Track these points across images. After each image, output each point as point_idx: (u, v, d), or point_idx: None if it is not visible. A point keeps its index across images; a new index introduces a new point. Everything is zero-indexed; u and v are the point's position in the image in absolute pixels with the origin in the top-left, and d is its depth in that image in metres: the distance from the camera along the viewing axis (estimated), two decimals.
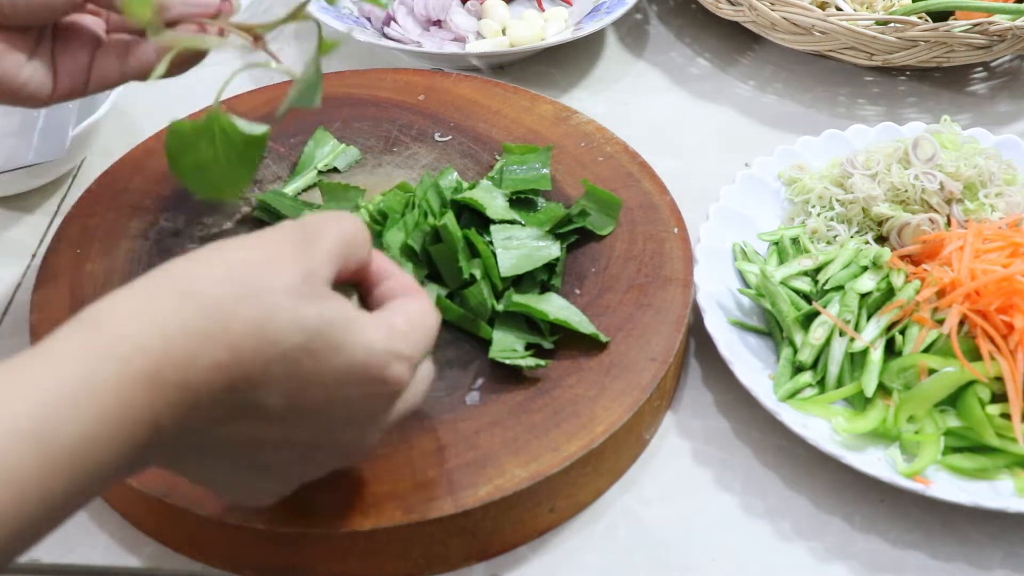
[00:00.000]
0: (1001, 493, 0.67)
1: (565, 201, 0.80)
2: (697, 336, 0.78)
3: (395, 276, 0.57)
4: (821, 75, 1.04)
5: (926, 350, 0.71)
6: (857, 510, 0.69)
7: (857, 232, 0.81)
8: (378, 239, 0.74)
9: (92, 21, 0.67)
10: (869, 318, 0.73)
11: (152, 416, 0.45)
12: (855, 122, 0.91)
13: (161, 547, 0.66)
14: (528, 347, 0.71)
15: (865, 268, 0.75)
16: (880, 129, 0.89)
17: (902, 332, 0.72)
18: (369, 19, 1.07)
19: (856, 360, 0.72)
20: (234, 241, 0.51)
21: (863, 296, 0.73)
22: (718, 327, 0.73)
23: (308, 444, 0.52)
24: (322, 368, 0.49)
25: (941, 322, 0.71)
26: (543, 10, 1.10)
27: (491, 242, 0.74)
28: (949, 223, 0.80)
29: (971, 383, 0.68)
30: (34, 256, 0.85)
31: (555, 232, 0.77)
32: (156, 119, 0.86)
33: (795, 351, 0.73)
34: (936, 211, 0.80)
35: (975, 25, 0.94)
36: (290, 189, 0.82)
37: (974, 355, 0.69)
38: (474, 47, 1.04)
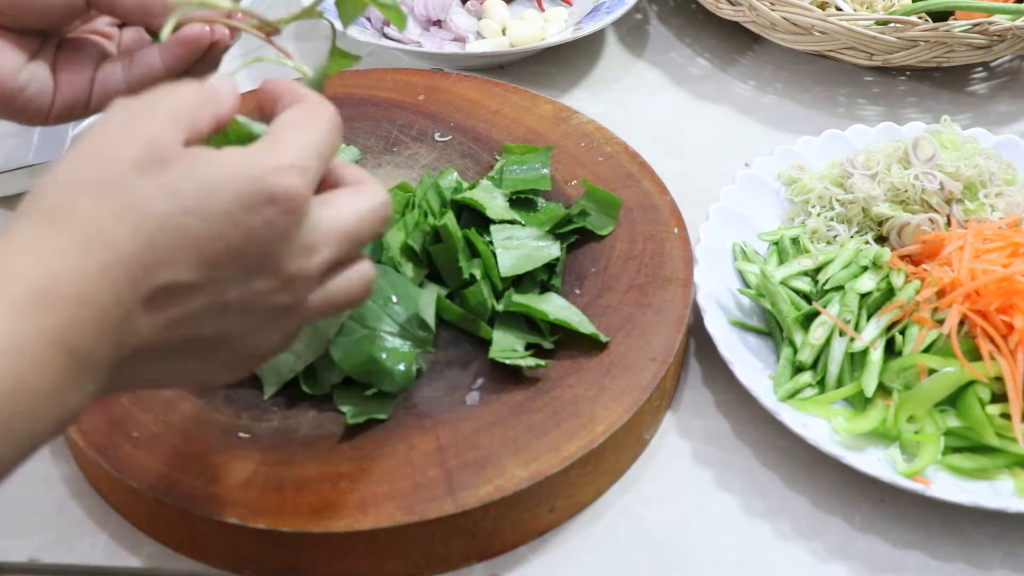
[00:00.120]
0: (1001, 493, 0.67)
1: (565, 201, 0.80)
2: (697, 336, 0.78)
3: (284, 92, 0.53)
4: (821, 75, 1.04)
5: (926, 350, 0.71)
6: (857, 510, 0.69)
7: (857, 232, 0.81)
8: (378, 239, 0.74)
9: (102, 40, 0.65)
10: (869, 318, 0.73)
11: (57, 339, 0.44)
12: (855, 122, 0.91)
13: (161, 547, 0.66)
14: (528, 347, 0.71)
15: (865, 268, 0.75)
16: (880, 129, 0.89)
17: (902, 332, 0.72)
18: (369, 19, 1.07)
19: (856, 360, 0.72)
20: (70, 150, 0.49)
21: (863, 296, 0.73)
22: (718, 327, 0.73)
23: (250, 301, 0.50)
24: (209, 218, 0.47)
25: (941, 322, 0.71)
26: (543, 10, 1.10)
27: (491, 242, 0.74)
28: (949, 223, 0.80)
29: (971, 383, 0.68)
30: None
31: (555, 232, 0.77)
32: None
33: (795, 351, 0.73)
34: (936, 211, 0.80)
35: (975, 25, 0.94)
36: None
37: (974, 355, 0.69)
38: (474, 47, 1.04)
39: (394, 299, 0.69)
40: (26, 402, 0.43)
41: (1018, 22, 0.94)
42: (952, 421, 0.69)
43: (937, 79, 1.04)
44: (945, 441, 0.69)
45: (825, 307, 0.73)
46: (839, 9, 1.00)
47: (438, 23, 1.07)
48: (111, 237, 0.45)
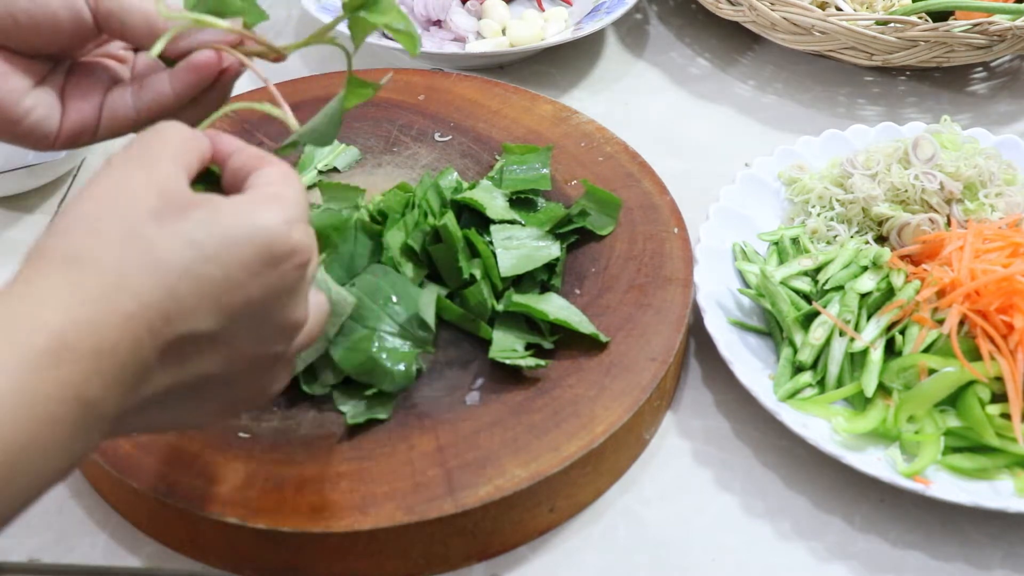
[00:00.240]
0: (1001, 493, 0.67)
1: (565, 201, 0.80)
2: (697, 336, 0.78)
3: (240, 151, 0.54)
4: (821, 75, 1.04)
5: (926, 350, 0.71)
6: (857, 510, 0.69)
7: (857, 232, 0.81)
8: (378, 239, 0.74)
9: (115, 64, 0.64)
10: (869, 318, 0.73)
11: (73, 390, 0.43)
12: (855, 122, 0.91)
13: (161, 547, 0.66)
14: (528, 347, 0.71)
15: (865, 268, 0.75)
16: (880, 129, 0.89)
17: (902, 332, 0.72)
18: None
19: (856, 360, 0.72)
20: (81, 191, 0.49)
21: (863, 296, 0.73)
22: (718, 327, 0.73)
23: (255, 349, 0.51)
24: (229, 268, 0.48)
25: (941, 322, 0.71)
26: (543, 10, 1.10)
27: (491, 242, 0.74)
28: (949, 223, 0.80)
29: (971, 383, 0.69)
30: None
31: (555, 232, 0.77)
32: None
33: (795, 351, 0.73)
34: (936, 211, 0.80)
35: (975, 25, 0.94)
36: None
37: (974, 355, 0.69)
38: (474, 47, 1.04)
39: (394, 299, 0.69)
40: (35, 456, 0.43)
41: (1018, 22, 0.94)
42: (952, 421, 0.69)
43: (937, 79, 1.04)
44: (945, 441, 0.69)
45: (825, 307, 0.73)
46: (839, 9, 1.00)
47: (438, 23, 1.07)
48: (133, 286, 0.45)
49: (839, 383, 0.72)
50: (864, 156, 0.84)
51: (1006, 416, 0.68)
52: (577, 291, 0.76)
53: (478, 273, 0.72)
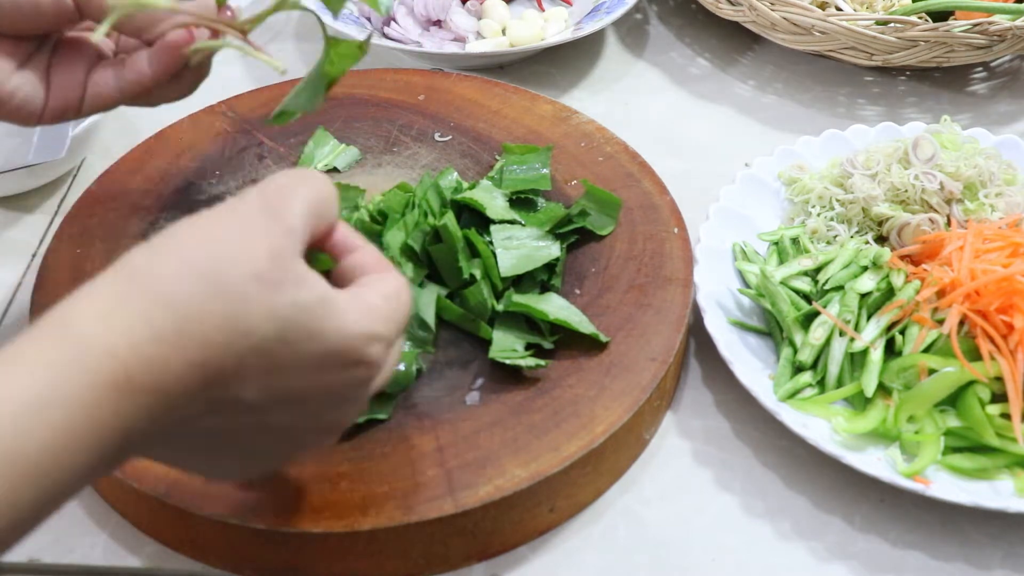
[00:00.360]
0: (1001, 493, 0.67)
1: (565, 201, 0.80)
2: (697, 336, 0.78)
3: (363, 249, 0.54)
4: (821, 75, 1.04)
5: (926, 350, 0.71)
6: (857, 510, 0.69)
7: (857, 232, 0.81)
8: (378, 239, 0.74)
9: (100, 41, 0.65)
10: (869, 318, 0.73)
11: (121, 423, 0.44)
12: (855, 122, 0.91)
13: (161, 547, 0.66)
14: (528, 347, 0.71)
15: (865, 268, 0.75)
16: (880, 129, 0.89)
17: (902, 332, 0.72)
18: (369, 19, 1.07)
19: (856, 360, 0.72)
20: (197, 221, 0.49)
21: (863, 296, 0.73)
22: (718, 327, 0.73)
23: (286, 429, 0.52)
24: (299, 356, 0.48)
25: (941, 322, 0.71)
26: (543, 10, 1.10)
27: (491, 242, 0.74)
28: (949, 223, 0.80)
29: (971, 383, 0.68)
30: (34, 256, 0.85)
31: (555, 232, 0.77)
32: (156, 119, 0.85)
33: (795, 351, 0.73)
34: (936, 211, 0.80)
35: (975, 25, 0.94)
36: None
37: (974, 355, 0.69)
38: (474, 47, 1.04)
39: None
40: (77, 478, 0.44)
41: (1018, 22, 0.94)
42: (952, 421, 0.69)
43: (937, 79, 1.04)
44: (945, 441, 0.69)
45: (825, 307, 0.73)
46: (839, 9, 1.00)
47: (438, 23, 1.07)
48: (207, 339, 0.46)
49: (839, 383, 0.72)
50: (864, 156, 0.84)
51: (1006, 416, 0.68)
52: (577, 291, 0.76)
53: (478, 273, 0.72)
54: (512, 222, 0.76)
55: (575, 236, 0.79)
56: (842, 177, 0.83)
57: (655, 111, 1.01)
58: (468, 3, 1.08)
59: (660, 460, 0.72)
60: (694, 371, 0.77)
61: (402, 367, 0.67)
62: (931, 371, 0.69)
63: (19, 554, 0.65)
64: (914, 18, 0.95)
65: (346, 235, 0.54)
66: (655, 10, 1.13)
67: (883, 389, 0.71)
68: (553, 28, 1.06)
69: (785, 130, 0.98)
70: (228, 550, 0.64)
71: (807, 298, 0.76)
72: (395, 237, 0.75)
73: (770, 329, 0.76)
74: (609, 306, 0.74)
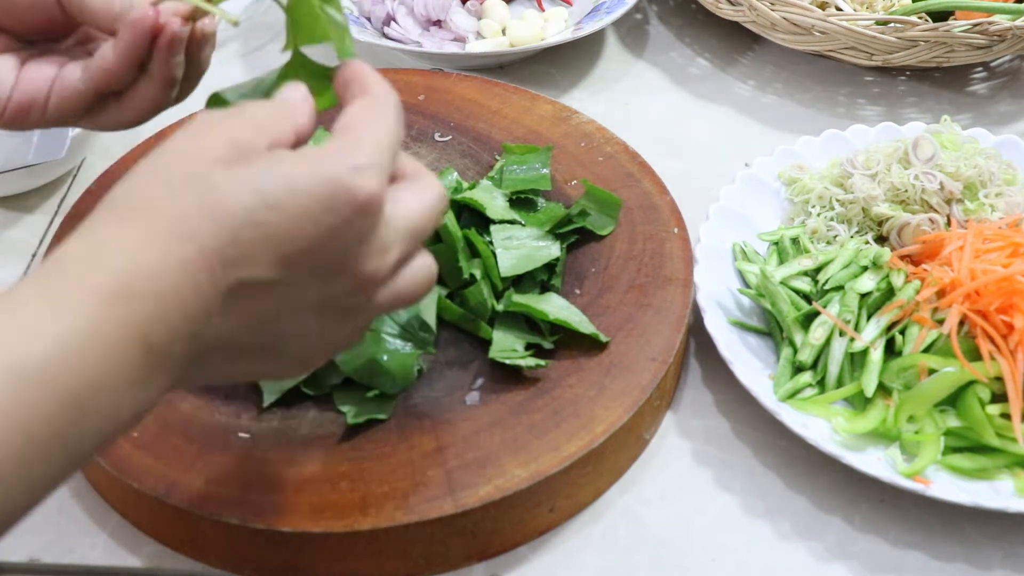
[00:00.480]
0: (1001, 493, 0.67)
1: (565, 201, 0.80)
2: (697, 336, 0.78)
3: (354, 77, 0.52)
4: (821, 75, 1.04)
5: (926, 350, 0.71)
6: (857, 510, 0.69)
7: (857, 232, 0.81)
8: None
9: (85, 51, 0.64)
10: (869, 318, 0.73)
11: (137, 331, 0.44)
12: (855, 122, 0.91)
13: (161, 547, 0.66)
14: (528, 347, 0.71)
15: (865, 268, 0.75)
16: (880, 129, 0.89)
17: (902, 332, 0.72)
18: (369, 19, 1.07)
19: (856, 360, 0.72)
20: (157, 147, 0.49)
21: (863, 296, 0.73)
22: (718, 327, 0.73)
23: (326, 299, 0.50)
24: (291, 215, 0.47)
25: (941, 322, 0.71)
26: (543, 10, 1.10)
27: (491, 242, 0.74)
28: (949, 223, 0.80)
29: (971, 383, 0.68)
30: (34, 256, 0.85)
31: (555, 232, 0.77)
32: (155, 119, 0.85)
33: (795, 351, 0.73)
34: (936, 211, 0.80)
35: (975, 25, 0.94)
36: None
37: (974, 355, 0.69)
38: (474, 47, 1.04)
39: None
40: (105, 397, 0.43)
41: (1018, 22, 0.94)
42: (952, 421, 0.69)
43: (937, 79, 1.04)
44: (945, 441, 0.69)
45: (825, 307, 0.73)
46: (839, 9, 1.00)
47: (438, 23, 1.07)
48: (194, 231, 0.45)
49: (839, 383, 0.72)
50: (864, 156, 0.84)
51: (1006, 416, 0.68)
52: (577, 291, 0.76)
53: (478, 273, 0.72)
54: (512, 222, 0.76)
55: (575, 236, 0.79)
56: (842, 177, 0.83)
57: (655, 111, 1.01)
58: (468, 3, 1.08)
59: (660, 460, 0.72)
60: (694, 371, 0.77)
61: (403, 368, 0.67)
62: (931, 371, 0.69)
63: (19, 554, 0.66)
64: (914, 18, 0.95)
65: (344, 75, 0.53)
66: (655, 10, 1.13)
67: (883, 389, 0.71)
68: (553, 28, 1.06)
69: (785, 130, 0.98)
70: (228, 550, 0.64)
71: (807, 298, 0.76)
72: None
73: (770, 329, 0.76)
74: (609, 306, 0.74)
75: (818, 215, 0.82)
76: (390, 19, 1.06)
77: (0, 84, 0.61)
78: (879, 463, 0.68)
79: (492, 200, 0.77)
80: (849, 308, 0.73)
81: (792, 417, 0.69)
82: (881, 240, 0.81)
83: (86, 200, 0.82)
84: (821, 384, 0.72)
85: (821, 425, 0.69)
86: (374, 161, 0.48)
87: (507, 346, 0.70)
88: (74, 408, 0.42)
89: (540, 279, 0.75)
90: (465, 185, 0.79)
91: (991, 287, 0.70)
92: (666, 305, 0.74)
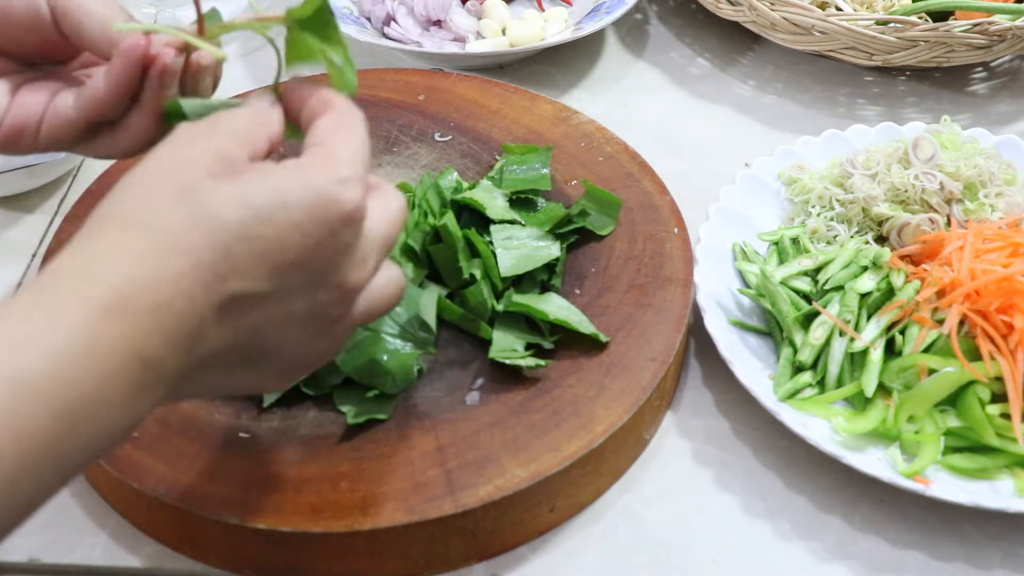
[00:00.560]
0: (1001, 493, 0.67)
1: (565, 201, 0.80)
2: (697, 336, 0.78)
3: (307, 99, 0.54)
4: (821, 75, 1.04)
5: (926, 350, 0.71)
6: (857, 510, 0.69)
7: (857, 232, 0.81)
8: None
9: (85, 76, 0.63)
10: (869, 318, 0.73)
11: (132, 345, 0.44)
12: (855, 122, 0.91)
13: (161, 547, 0.66)
14: (528, 347, 0.71)
15: (865, 268, 0.75)
16: (880, 129, 0.89)
17: (902, 332, 0.72)
18: (369, 19, 1.07)
19: (856, 360, 0.72)
20: (142, 160, 0.49)
21: (863, 296, 0.73)
22: (718, 327, 0.73)
23: (311, 311, 0.51)
24: (281, 228, 0.48)
25: (941, 322, 0.71)
26: (543, 10, 1.10)
27: (491, 242, 0.74)
28: (949, 223, 0.80)
29: (971, 383, 0.68)
30: (34, 256, 0.85)
31: (555, 232, 0.77)
32: None
33: (795, 351, 0.73)
34: (936, 211, 0.80)
35: (975, 25, 0.94)
36: None
37: (974, 355, 0.69)
38: (474, 47, 1.04)
39: None
40: (98, 411, 0.44)
41: (1018, 22, 0.94)
42: (952, 421, 0.69)
43: (937, 79, 1.04)
44: (945, 441, 0.69)
45: (825, 307, 0.73)
46: (839, 9, 1.00)
47: (438, 23, 1.07)
48: (187, 244, 0.46)
49: (839, 383, 0.72)
50: (864, 156, 0.84)
51: (1006, 416, 0.68)
52: (577, 291, 0.76)
53: (478, 273, 0.72)
54: (512, 222, 0.76)
55: (575, 236, 0.79)
56: (842, 177, 0.83)
57: (655, 111, 1.01)
58: (468, 3, 1.08)
59: (660, 460, 0.72)
60: (694, 371, 0.77)
61: (403, 368, 0.67)
62: (931, 371, 0.69)
63: (19, 554, 0.66)
64: (914, 18, 0.95)
65: (293, 98, 0.54)
66: (655, 10, 1.13)
67: (883, 389, 0.71)
68: (553, 28, 1.06)
69: (785, 130, 0.98)
70: (228, 550, 0.64)
71: (807, 298, 0.76)
72: None
73: (770, 329, 0.76)
74: (609, 306, 0.74)
75: (818, 215, 0.82)
76: (390, 19, 1.06)
77: None
78: (879, 463, 0.68)
79: (492, 200, 0.77)
80: (849, 308, 0.73)
81: (792, 417, 0.69)
82: (881, 240, 0.81)
83: (86, 200, 0.82)
84: (821, 384, 0.72)
85: (821, 425, 0.69)
86: (355, 173, 0.50)
87: (507, 346, 0.70)
88: (68, 422, 0.43)
89: (540, 279, 0.75)
90: (465, 185, 0.79)
91: (991, 287, 0.70)
92: (666, 305, 0.74)
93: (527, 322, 0.72)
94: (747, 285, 0.78)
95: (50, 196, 0.90)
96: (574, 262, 0.78)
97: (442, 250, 0.73)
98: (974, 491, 0.66)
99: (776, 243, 0.81)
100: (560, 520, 0.68)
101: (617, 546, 0.67)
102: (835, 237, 0.81)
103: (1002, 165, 0.84)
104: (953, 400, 0.69)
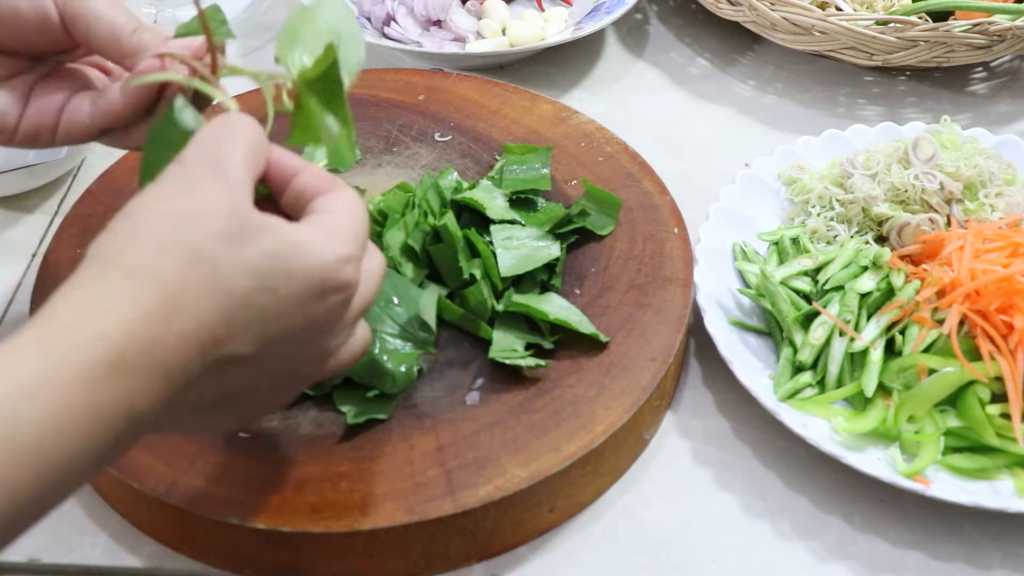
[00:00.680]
0: (1001, 493, 0.67)
1: (565, 201, 0.80)
2: (697, 336, 0.78)
3: (303, 171, 0.54)
4: (821, 75, 1.04)
5: (926, 350, 0.71)
6: (857, 510, 0.69)
7: (857, 232, 0.81)
8: (378, 239, 0.74)
9: (95, 72, 0.65)
10: (869, 318, 0.73)
11: (124, 403, 0.45)
12: (855, 122, 0.91)
13: (161, 547, 0.66)
14: (528, 347, 0.71)
15: (865, 268, 0.75)
16: (880, 129, 0.89)
17: (902, 332, 0.72)
18: (369, 19, 1.07)
19: (856, 360, 0.72)
20: (150, 195, 0.49)
21: (863, 296, 0.73)
22: (718, 327, 0.73)
23: (283, 369, 0.53)
24: (281, 299, 0.49)
25: (941, 322, 0.71)
26: (543, 10, 1.10)
27: (491, 242, 0.74)
28: (949, 223, 0.80)
29: (971, 383, 0.69)
30: (34, 256, 0.85)
31: (555, 232, 0.77)
32: None
33: (795, 351, 0.73)
34: (936, 211, 0.80)
35: (975, 25, 0.94)
36: None
37: (974, 355, 0.69)
38: (474, 47, 1.04)
39: (395, 300, 0.69)
40: (85, 460, 0.45)
41: (1018, 22, 0.94)
42: (952, 421, 0.69)
43: (937, 79, 1.04)
44: (945, 441, 0.69)
45: (825, 307, 0.73)
46: (839, 9, 1.00)
47: (438, 23, 1.07)
48: (192, 308, 0.47)
49: (839, 383, 0.72)
50: (864, 156, 0.84)
51: (1006, 416, 0.68)
52: (577, 291, 0.76)
53: (478, 273, 0.72)
54: (512, 222, 0.76)
55: (575, 236, 0.79)
56: (842, 177, 0.83)
57: (655, 111, 1.01)
58: (468, 3, 1.08)
59: (660, 460, 0.72)
60: (694, 371, 0.77)
61: (403, 368, 0.67)
62: (931, 371, 0.69)
63: (19, 554, 0.66)
64: (914, 18, 0.95)
65: (281, 162, 0.54)
66: (655, 10, 1.13)
67: (883, 389, 0.71)
68: (553, 28, 1.06)
69: (785, 130, 0.98)
70: (228, 550, 0.64)
71: (807, 298, 0.76)
72: (395, 237, 0.75)
73: (770, 329, 0.76)
74: (609, 306, 0.74)
75: (818, 215, 0.82)
76: (390, 19, 1.06)
77: (8, 114, 0.62)
78: (879, 463, 0.68)
79: (492, 200, 0.77)
80: (849, 308, 0.73)
81: (792, 417, 0.69)
82: (881, 240, 0.81)
83: (86, 200, 0.82)
84: (821, 384, 0.72)
85: (821, 425, 0.69)
86: (353, 252, 0.52)
87: (507, 346, 0.70)
88: (57, 473, 0.44)
89: (540, 279, 0.75)
90: (465, 185, 0.79)
91: (991, 287, 0.70)
92: (666, 305, 0.74)
93: (527, 322, 0.72)
94: (747, 285, 0.78)
95: (50, 196, 0.90)
96: (574, 262, 0.78)
97: (442, 250, 0.73)
98: (974, 491, 0.66)
99: (776, 243, 0.81)
100: (560, 520, 0.68)
101: (617, 546, 0.67)
102: (835, 237, 0.81)
103: (1002, 165, 0.84)
104: (953, 400, 0.69)
